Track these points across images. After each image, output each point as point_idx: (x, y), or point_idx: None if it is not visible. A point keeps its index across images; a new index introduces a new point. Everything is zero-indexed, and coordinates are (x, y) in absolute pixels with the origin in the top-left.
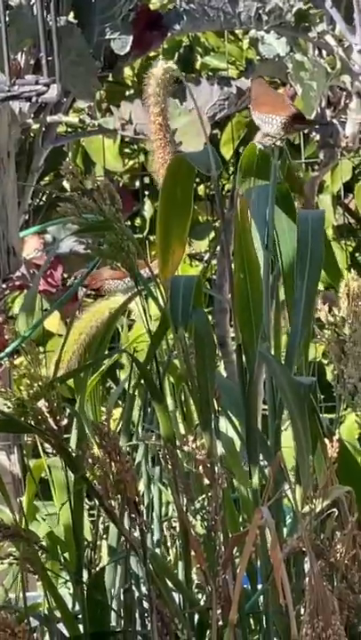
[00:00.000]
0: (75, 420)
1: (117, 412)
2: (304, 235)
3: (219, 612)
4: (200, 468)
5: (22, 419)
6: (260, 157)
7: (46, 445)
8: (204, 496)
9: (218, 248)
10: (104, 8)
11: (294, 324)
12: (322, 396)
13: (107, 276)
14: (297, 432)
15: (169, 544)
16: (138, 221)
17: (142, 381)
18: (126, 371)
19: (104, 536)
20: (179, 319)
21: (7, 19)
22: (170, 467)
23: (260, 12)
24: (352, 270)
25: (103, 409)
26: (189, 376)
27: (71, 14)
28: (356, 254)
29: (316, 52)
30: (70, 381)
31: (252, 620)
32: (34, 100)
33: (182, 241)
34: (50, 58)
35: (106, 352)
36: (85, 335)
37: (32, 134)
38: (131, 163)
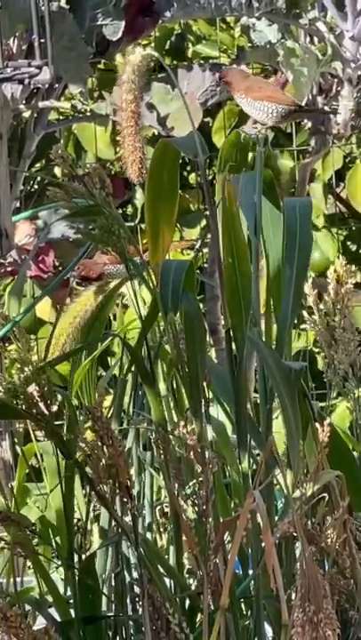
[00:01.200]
0: (66, 406)
1: (109, 400)
2: (292, 223)
3: (210, 596)
4: (191, 453)
5: (14, 403)
6: (241, 146)
7: (38, 433)
8: (195, 481)
9: (209, 235)
10: None
11: (283, 310)
12: (313, 385)
13: (106, 260)
14: (287, 416)
15: (160, 529)
16: (130, 210)
17: (133, 366)
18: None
19: (95, 521)
20: (169, 304)
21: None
22: (161, 452)
23: None
24: (340, 257)
25: (95, 395)
26: (180, 361)
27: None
28: (348, 243)
29: (308, 38)
30: (63, 368)
31: (243, 605)
32: (26, 82)
33: (171, 225)
34: (42, 40)
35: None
36: (80, 318)
37: (24, 120)
38: (122, 151)
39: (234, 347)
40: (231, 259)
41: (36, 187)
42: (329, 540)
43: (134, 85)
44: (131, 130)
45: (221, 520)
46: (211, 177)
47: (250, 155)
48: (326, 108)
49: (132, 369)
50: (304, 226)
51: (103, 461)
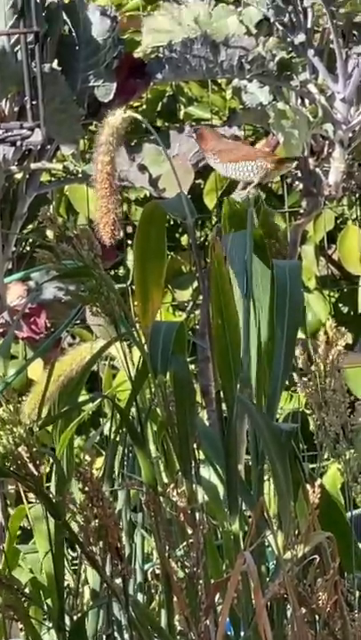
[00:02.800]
0: (54, 466)
1: (100, 461)
2: (282, 285)
3: None
4: (181, 515)
5: (3, 464)
6: (240, 210)
7: (30, 495)
8: (186, 542)
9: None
10: (88, 55)
11: (275, 372)
12: (305, 447)
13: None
14: (277, 478)
15: (152, 590)
16: (121, 271)
17: (123, 428)
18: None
19: (86, 583)
20: (158, 365)
21: None
22: (152, 513)
23: (243, 60)
24: (330, 319)
25: (87, 457)
26: (170, 423)
27: (55, 61)
28: (340, 304)
29: (299, 100)
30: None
31: None
32: (18, 143)
33: (160, 287)
34: (34, 102)
35: (81, 396)
36: (64, 377)
37: (16, 182)
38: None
39: (224, 407)
40: (220, 320)
41: (28, 248)
42: (320, 602)
43: (112, 147)
44: (105, 192)
45: (212, 581)
46: (203, 238)
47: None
48: (318, 172)
49: (123, 430)
50: (295, 289)
51: (93, 523)
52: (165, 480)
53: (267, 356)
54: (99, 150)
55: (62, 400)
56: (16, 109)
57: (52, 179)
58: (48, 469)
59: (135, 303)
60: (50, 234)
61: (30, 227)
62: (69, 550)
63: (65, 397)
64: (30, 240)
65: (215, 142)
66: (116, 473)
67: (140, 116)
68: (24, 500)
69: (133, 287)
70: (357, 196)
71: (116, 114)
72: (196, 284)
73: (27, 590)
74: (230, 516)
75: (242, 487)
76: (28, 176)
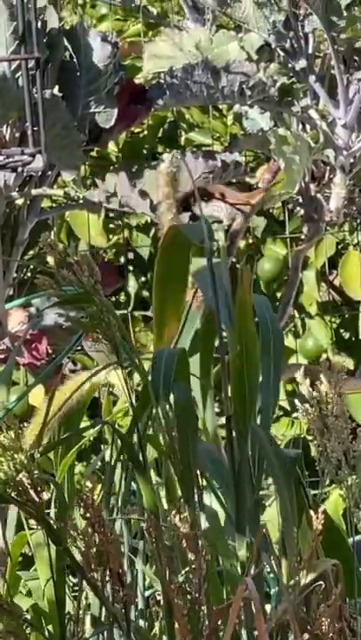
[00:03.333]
0: (55, 493)
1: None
2: (262, 317)
3: None
4: (183, 541)
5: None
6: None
7: (31, 521)
8: (187, 569)
9: None
10: (89, 81)
11: (264, 401)
12: (307, 473)
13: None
14: (283, 504)
15: (153, 617)
16: (122, 297)
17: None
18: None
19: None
20: (160, 391)
21: None
22: (153, 540)
23: (244, 86)
24: (331, 345)
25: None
26: (171, 449)
27: (56, 87)
28: (341, 330)
29: (300, 126)
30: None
31: None
32: (19, 169)
33: (178, 314)
34: (35, 128)
35: (82, 425)
36: (65, 407)
37: (17, 208)
38: (115, 238)
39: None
40: (240, 346)
41: (29, 274)
42: (323, 628)
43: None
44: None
45: (214, 607)
46: None
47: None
48: (320, 197)
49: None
50: (274, 323)
51: (95, 549)
52: (166, 506)
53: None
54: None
55: (64, 427)
56: (17, 135)
57: (53, 205)
58: (49, 496)
59: (137, 329)
60: (51, 260)
61: (31, 253)
62: (70, 576)
63: (66, 425)
64: (31, 266)
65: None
66: (117, 499)
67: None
68: (25, 527)
69: (135, 313)
70: (359, 221)
71: (165, 159)
72: None
73: (28, 616)
74: (238, 542)
75: (250, 514)
76: (28, 202)
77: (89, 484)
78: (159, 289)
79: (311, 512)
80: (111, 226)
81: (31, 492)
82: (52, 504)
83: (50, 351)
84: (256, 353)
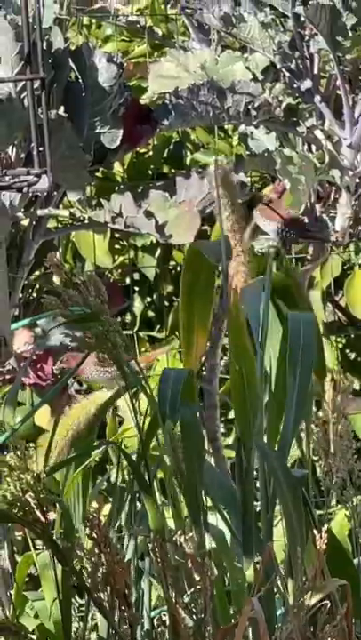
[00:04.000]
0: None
1: (107, 508)
2: (295, 336)
3: None
4: (189, 561)
5: (10, 510)
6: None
7: (37, 542)
8: (193, 589)
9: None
10: (94, 102)
11: (287, 420)
12: (312, 493)
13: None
14: (290, 524)
15: (159, 637)
16: (128, 317)
17: (131, 475)
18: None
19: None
20: (167, 412)
21: None
22: (159, 560)
23: (249, 107)
24: (337, 365)
25: (95, 504)
26: (178, 469)
27: (62, 108)
28: (347, 351)
29: (306, 146)
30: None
31: None
32: (25, 190)
33: (205, 329)
34: (41, 149)
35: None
36: (72, 431)
37: (22, 228)
38: (121, 259)
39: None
40: (238, 366)
41: (34, 294)
42: None
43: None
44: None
45: (220, 627)
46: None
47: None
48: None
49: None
50: (308, 342)
51: (101, 569)
52: (172, 527)
53: (278, 405)
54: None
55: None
56: (23, 156)
57: (59, 225)
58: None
59: (143, 350)
60: (57, 280)
61: (37, 273)
62: (77, 597)
63: (75, 448)
64: (37, 286)
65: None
66: (123, 520)
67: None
68: (31, 548)
69: (141, 334)
70: None
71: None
72: None
73: (34, 637)
74: (245, 562)
75: (256, 534)
76: (34, 222)
77: (95, 504)
78: (187, 303)
79: (315, 532)
80: (117, 246)
81: (37, 512)
82: (57, 524)
83: (56, 371)
84: (254, 371)
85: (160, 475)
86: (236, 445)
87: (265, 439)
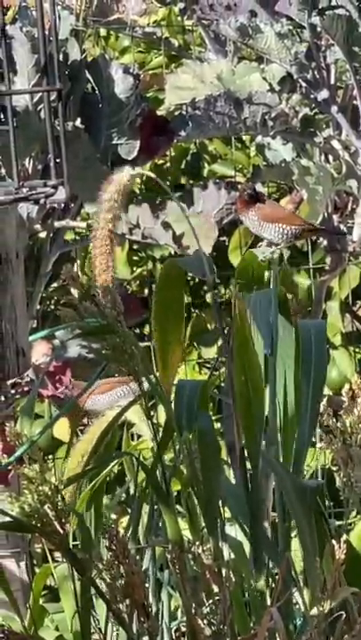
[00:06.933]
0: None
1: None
2: (307, 344)
3: None
4: (207, 572)
5: (29, 521)
6: (257, 265)
7: (56, 554)
8: (213, 600)
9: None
10: (111, 113)
11: (301, 429)
12: (331, 504)
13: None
14: (303, 535)
15: None
16: (147, 330)
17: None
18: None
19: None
20: (183, 423)
21: (15, 124)
22: (177, 571)
23: (266, 117)
24: (356, 375)
25: (113, 516)
26: (194, 480)
27: (78, 119)
28: None
29: (323, 156)
30: None
31: None
32: (42, 201)
33: (179, 343)
34: (58, 160)
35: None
36: (88, 456)
37: (40, 240)
38: (139, 270)
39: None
40: (244, 376)
41: (52, 306)
42: None
43: (116, 204)
44: (104, 249)
45: (239, 638)
46: (228, 295)
47: (265, 273)
48: (342, 228)
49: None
50: (319, 348)
51: (120, 580)
52: (190, 537)
53: (291, 414)
54: (102, 207)
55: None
56: (40, 168)
57: (77, 237)
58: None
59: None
60: (74, 292)
61: (54, 285)
62: (95, 609)
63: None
64: (55, 298)
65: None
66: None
67: (148, 172)
68: (49, 559)
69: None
70: None
71: (124, 171)
72: (220, 341)
73: None
74: (256, 574)
75: (268, 544)
76: (51, 234)
77: (113, 516)
78: (159, 320)
79: (334, 542)
80: (135, 258)
81: (55, 523)
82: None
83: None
84: (260, 381)
85: (177, 487)
86: (240, 455)
87: (280, 450)
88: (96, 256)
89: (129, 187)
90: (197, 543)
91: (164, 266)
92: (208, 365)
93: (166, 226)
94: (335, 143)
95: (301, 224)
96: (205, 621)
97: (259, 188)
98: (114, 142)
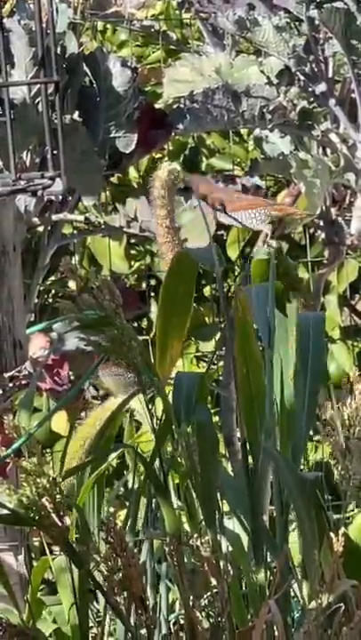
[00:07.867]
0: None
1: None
2: (305, 336)
3: None
4: (205, 564)
5: (27, 514)
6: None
7: (54, 547)
8: (210, 592)
9: (223, 347)
10: (109, 106)
11: (298, 423)
12: (330, 497)
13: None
14: (302, 527)
15: None
16: (145, 323)
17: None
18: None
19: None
20: (181, 415)
21: (12, 117)
22: (175, 563)
23: (264, 110)
24: (354, 369)
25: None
26: (193, 472)
27: (76, 112)
28: None
29: (321, 150)
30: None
31: None
32: (39, 193)
33: (181, 339)
34: (55, 152)
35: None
36: (89, 440)
37: (38, 233)
38: (137, 264)
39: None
40: (245, 369)
41: (50, 299)
42: None
43: (165, 200)
44: (168, 246)
45: (237, 631)
46: (225, 289)
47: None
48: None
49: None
50: (317, 340)
51: (118, 573)
52: (189, 530)
53: (290, 406)
54: (155, 204)
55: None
56: (37, 161)
57: (74, 230)
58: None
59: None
60: (72, 285)
61: (52, 278)
62: (95, 602)
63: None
64: (53, 291)
65: (219, 192)
66: (140, 524)
67: (179, 167)
68: (47, 552)
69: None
70: None
71: (163, 167)
72: (219, 334)
73: None
74: (254, 566)
75: (267, 537)
76: (49, 228)
77: (112, 509)
78: (164, 313)
79: (332, 535)
80: (133, 252)
81: (53, 515)
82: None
83: (71, 376)
84: (261, 374)
85: (176, 480)
86: (242, 447)
87: (278, 442)
88: (163, 252)
89: (170, 182)
90: (195, 536)
91: (174, 258)
92: (206, 359)
93: None
94: (333, 136)
95: (268, 204)
96: (203, 614)
97: (257, 180)
98: (111, 135)
